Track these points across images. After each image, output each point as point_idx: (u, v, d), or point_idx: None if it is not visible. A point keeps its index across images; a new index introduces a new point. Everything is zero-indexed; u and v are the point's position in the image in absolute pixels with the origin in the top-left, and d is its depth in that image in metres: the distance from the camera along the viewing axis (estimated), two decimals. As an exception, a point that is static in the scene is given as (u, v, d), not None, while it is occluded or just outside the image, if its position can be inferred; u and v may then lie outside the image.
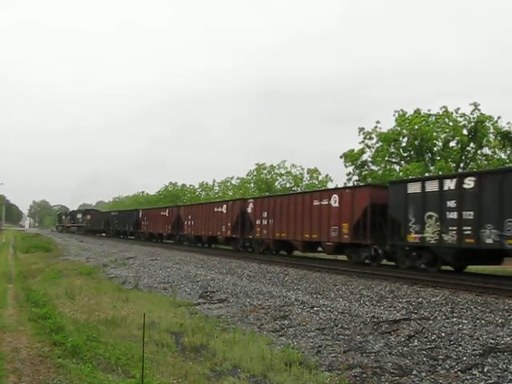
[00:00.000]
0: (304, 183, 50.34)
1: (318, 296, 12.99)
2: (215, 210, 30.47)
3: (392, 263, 17.94)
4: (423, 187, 16.00)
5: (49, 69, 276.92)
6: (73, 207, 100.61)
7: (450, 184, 15.20)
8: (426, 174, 28.92)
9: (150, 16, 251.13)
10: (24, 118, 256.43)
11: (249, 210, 26.39)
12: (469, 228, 14.42)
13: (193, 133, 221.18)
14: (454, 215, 14.91)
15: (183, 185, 72.40)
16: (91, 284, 15.70)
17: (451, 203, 15.00)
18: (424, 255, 16.14)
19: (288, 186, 50.53)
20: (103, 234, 59.42)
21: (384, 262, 18.42)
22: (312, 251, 22.86)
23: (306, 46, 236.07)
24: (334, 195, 20.02)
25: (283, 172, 51.94)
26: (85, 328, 9.08)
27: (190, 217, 34.65)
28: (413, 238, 16.21)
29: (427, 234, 15.70)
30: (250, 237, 26.33)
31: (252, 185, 52.56)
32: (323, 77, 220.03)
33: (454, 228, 14.85)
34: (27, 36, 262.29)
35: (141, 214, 46.46)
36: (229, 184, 61.69)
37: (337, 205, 19.61)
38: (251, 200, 27.31)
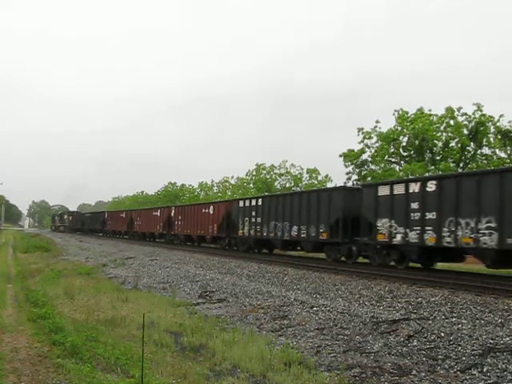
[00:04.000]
0: (303, 183, 50.26)
1: (318, 296, 12.99)
2: (153, 213, 41.55)
3: (366, 260, 20.05)
4: (244, 203, 26.27)
5: (50, 72, 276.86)
6: (72, 207, 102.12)
7: (254, 202, 25.50)
8: (427, 174, 28.95)
9: (160, 18, 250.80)
10: (24, 118, 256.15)
11: (172, 214, 36.87)
12: (259, 227, 24.46)
13: (195, 135, 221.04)
14: (254, 220, 24.91)
15: (182, 185, 72.35)
16: (90, 284, 15.68)
17: (253, 212, 25.02)
18: (246, 243, 26.32)
19: (288, 185, 50.45)
20: (91, 233, 64.09)
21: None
22: (202, 242, 33.26)
23: (307, 51, 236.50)
24: (211, 206, 30.92)
25: (283, 172, 51.86)
26: (84, 328, 9.07)
27: (138, 218, 45.67)
28: (240, 232, 26.32)
29: (245, 231, 25.78)
30: (173, 233, 36.85)
31: (251, 185, 52.50)
32: (324, 80, 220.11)
33: (253, 227, 24.89)
34: (29, 38, 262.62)
35: (106, 215, 57.62)
36: (227, 184, 61.60)
37: (212, 212, 30.11)
38: (173, 207, 38.58)
